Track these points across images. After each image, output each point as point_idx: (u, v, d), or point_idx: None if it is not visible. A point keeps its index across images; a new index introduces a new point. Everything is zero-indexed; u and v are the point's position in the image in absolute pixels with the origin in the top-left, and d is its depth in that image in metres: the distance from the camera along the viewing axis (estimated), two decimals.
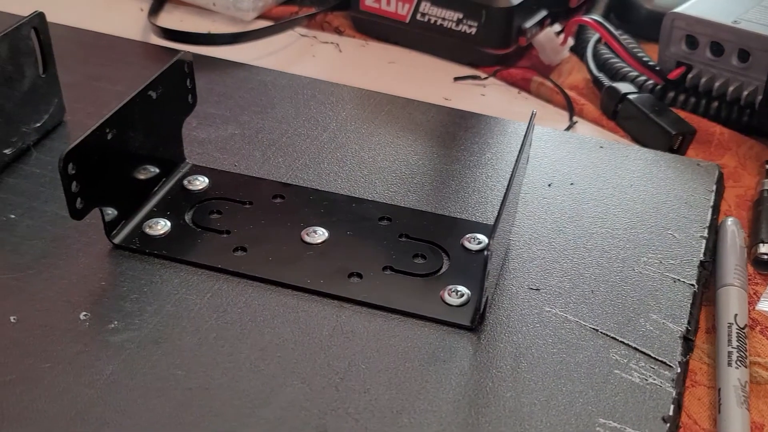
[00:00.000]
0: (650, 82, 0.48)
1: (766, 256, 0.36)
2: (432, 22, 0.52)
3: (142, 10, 0.56)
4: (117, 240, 0.35)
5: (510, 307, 0.33)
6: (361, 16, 0.55)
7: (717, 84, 0.46)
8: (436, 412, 0.29)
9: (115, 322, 0.31)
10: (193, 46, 0.50)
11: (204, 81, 0.46)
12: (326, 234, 0.36)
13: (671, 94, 0.47)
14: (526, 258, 0.35)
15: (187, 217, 0.36)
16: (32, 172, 0.39)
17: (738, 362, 0.31)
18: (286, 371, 0.30)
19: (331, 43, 0.54)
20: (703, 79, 0.47)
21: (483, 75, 0.51)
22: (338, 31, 0.55)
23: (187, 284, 0.33)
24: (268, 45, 0.53)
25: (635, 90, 0.47)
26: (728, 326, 0.32)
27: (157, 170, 0.37)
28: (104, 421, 0.28)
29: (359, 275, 0.34)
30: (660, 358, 0.31)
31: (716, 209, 0.39)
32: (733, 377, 0.30)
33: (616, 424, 0.28)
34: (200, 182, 0.38)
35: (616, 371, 0.30)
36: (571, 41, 0.52)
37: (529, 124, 0.33)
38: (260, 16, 0.56)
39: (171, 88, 0.36)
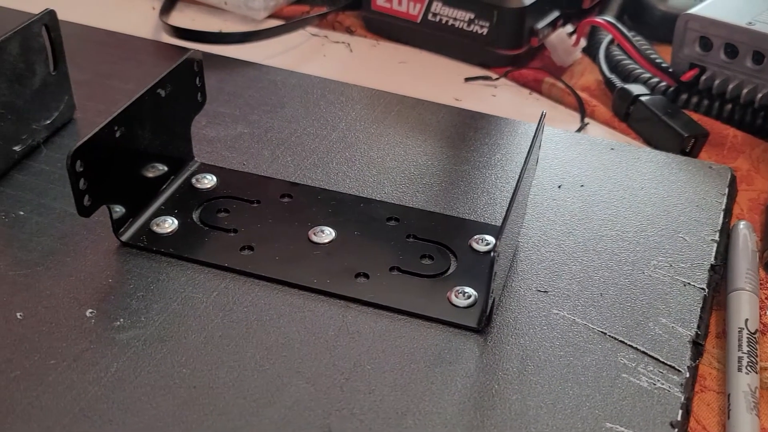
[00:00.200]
0: (663, 84, 0.48)
1: None
2: (443, 22, 0.52)
3: (153, 9, 0.56)
4: (124, 238, 0.35)
5: (517, 309, 0.33)
6: (372, 16, 0.54)
7: (731, 86, 0.46)
8: (441, 413, 0.28)
9: (121, 320, 0.31)
10: (204, 45, 0.50)
11: (214, 80, 0.46)
12: (333, 234, 0.35)
13: (684, 96, 0.47)
14: (535, 260, 0.35)
15: (195, 216, 0.36)
16: (42, 169, 0.39)
17: (748, 367, 0.31)
18: (291, 371, 0.30)
19: (342, 42, 0.54)
20: (717, 81, 0.46)
21: (494, 76, 0.51)
22: (349, 31, 0.55)
23: (194, 282, 0.33)
24: (279, 44, 0.53)
25: (648, 92, 0.47)
26: (739, 331, 0.32)
27: (166, 168, 0.37)
28: (109, 418, 0.28)
29: (366, 275, 0.33)
30: (669, 363, 0.31)
31: (728, 213, 0.39)
32: (743, 383, 0.30)
33: (623, 429, 0.28)
34: (208, 181, 0.38)
35: (623, 375, 0.30)
36: (583, 42, 0.52)
37: (538, 125, 0.33)
38: (271, 16, 0.56)
39: (180, 86, 0.36)
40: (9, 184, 0.38)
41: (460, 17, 0.51)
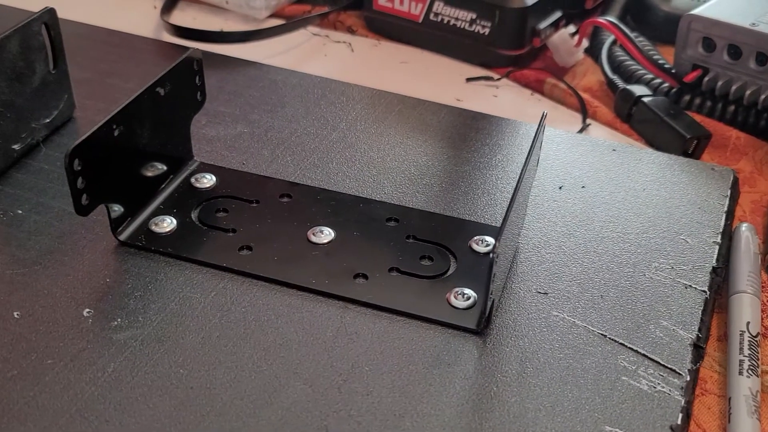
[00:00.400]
0: (665, 84, 0.47)
1: None
2: (445, 22, 0.51)
3: (155, 8, 0.56)
4: (123, 237, 0.35)
5: (517, 311, 0.32)
6: (373, 16, 0.54)
7: (734, 87, 0.45)
8: (439, 416, 0.28)
9: (119, 320, 0.31)
10: (205, 44, 0.50)
11: (215, 79, 0.46)
12: (333, 234, 0.35)
13: (687, 98, 0.47)
14: (535, 261, 0.35)
15: (194, 215, 0.36)
16: (41, 167, 0.39)
17: (749, 371, 0.30)
18: (289, 372, 0.29)
19: (344, 42, 0.54)
20: (720, 83, 0.46)
21: (496, 76, 0.51)
22: (351, 31, 0.55)
23: (192, 282, 0.33)
24: (280, 43, 0.53)
25: (650, 93, 0.47)
26: (740, 334, 0.32)
27: (165, 167, 0.37)
28: (105, 418, 0.28)
29: (365, 276, 0.33)
30: (669, 366, 0.30)
31: (730, 215, 0.39)
32: (744, 386, 0.30)
33: None
34: (207, 180, 0.38)
35: (623, 378, 0.30)
36: (585, 43, 0.52)
37: (539, 125, 0.33)
38: (273, 15, 0.56)
39: (179, 85, 0.36)
40: (8, 182, 0.38)
41: (461, 17, 0.51)
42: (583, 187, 0.39)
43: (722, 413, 0.30)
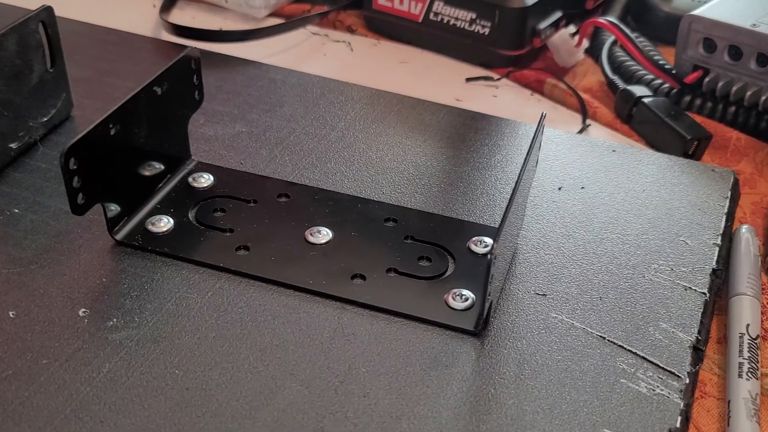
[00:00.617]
0: (666, 85, 0.47)
1: None
2: (445, 21, 0.51)
3: (154, 7, 0.56)
4: (119, 236, 0.34)
5: (515, 313, 0.32)
6: (373, 15, 0.54)
7: (734, 88, 0.45)
8: (436, 418, 0.28)
9: (115, 320, 0.31)
10: (204, 43, 0.50)
11: (213, 78, 0.46)
12: (330, 234, 0.35)
13: (687, 98, 0.46)
14: (534, 262, 0.35)
15: (191, 215, 0.36)
16: (38, 166, 0.39)
17: (749, 374, 0.30)
18: (285, 373, 0.29)
19: (343, 41, 0.54)
20: (720, 83, 0.46)
21: (496, 76, 0.51)
22: (350, 30, 0.55)
23: (189, 282, 0.33)
24: (279, 43, 0.53)
25: (650, 93, 0.46)
26: (740, 336, 0.32)
27: (162, 167, 0.37)
28: (100, 419, 0.28)
29: (362, 277, 0.33)
30: (668, 368, 0.30)
31: (730, 216, 0.38)
32: (744, 389, 0.30)
33: None
34: (205, 180, 0.38)
35: (622, 380, 0.30)
36: (586, 43, 0.52)
37: (538, 126, 0.33)
38: (272, 14, 0.56)
39: (177, 84, 0.36)
40: (4, 181, 0.38)
41: (461, 17, 0.51)
42: (583, 188, 0.39)
43: (722, 416, 0.30)
